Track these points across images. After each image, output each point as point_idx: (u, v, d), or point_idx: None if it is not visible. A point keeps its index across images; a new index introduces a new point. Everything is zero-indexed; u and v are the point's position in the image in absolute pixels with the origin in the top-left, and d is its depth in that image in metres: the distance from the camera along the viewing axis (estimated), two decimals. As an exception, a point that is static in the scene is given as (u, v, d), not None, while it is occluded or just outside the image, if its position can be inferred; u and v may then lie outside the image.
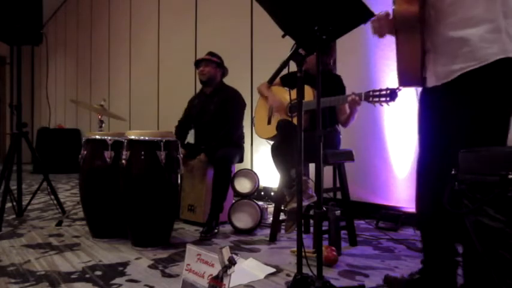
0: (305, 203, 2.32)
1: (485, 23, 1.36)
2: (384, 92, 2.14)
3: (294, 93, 1.76)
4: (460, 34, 1.40)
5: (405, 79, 1.63)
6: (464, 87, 1.41)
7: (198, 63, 3.28)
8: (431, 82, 1.55)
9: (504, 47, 1.35)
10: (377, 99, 2.17)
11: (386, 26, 1.60)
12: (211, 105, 3.25)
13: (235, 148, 3.16)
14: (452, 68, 1.43)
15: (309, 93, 2.56)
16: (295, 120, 1.70)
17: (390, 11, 1.59)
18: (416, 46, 1.51)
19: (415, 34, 1.49)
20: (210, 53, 3.31)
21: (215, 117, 3.21)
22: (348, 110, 2.51)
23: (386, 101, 2.13)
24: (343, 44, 3.55)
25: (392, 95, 2.11)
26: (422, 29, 1.51)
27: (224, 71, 3.31)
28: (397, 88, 2.07)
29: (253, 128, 3.03)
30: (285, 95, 2.78)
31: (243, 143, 3.33)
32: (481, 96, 1.38)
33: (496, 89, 1.36)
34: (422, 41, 1.51)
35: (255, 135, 3.76)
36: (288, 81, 2.70)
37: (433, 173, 1.60)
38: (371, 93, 2.21)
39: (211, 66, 3.22)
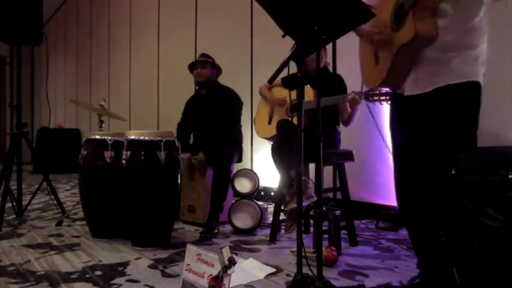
0: (305, 203, 2.33)
1: (468, 49, 1.49)
2: (383, 91, 2.16)
3: (294, 93, 1.77)
4: (445, 57, 1.51)
5: (387, 84, 1.71)
6: (438, 99, 1.53)
7: (193, 65, 3.29)
8: (408, 91, 1.62)
9: (476, 72, 1.51)
10: (377, 97, 2.20)
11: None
12: (208, 105, 3.25)
13: (234, 147, 3.17)
14: (431, 81, 1.54)
15: (309, 94, 2.57)
16: (295, 120, 1.70)
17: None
18: (410, 60, 1.58)
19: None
20: (204, 55, 3.33)
21: (212, 117, 3.21)
22: (349, 109, 2.54)
23: (386, 100, 2.15)
24: (342, 44, 3.56)
25: (391, 94, 2.13)
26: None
27: (219, 70, 3.33)
28: None
29: (254, 127, 3.04)
30: (286, 95, 2.78)
31: (242, 142, 3.33)
32: (450, 109, 1.52)
33: (463, 104, 1.51)
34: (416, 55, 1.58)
35: (255, 136, 3.76)
36: (289, 83, 2.72)
37: (408, 183, 1.66)
38: (371, 92, 2.23)
39: (208, 68, 3.23)
